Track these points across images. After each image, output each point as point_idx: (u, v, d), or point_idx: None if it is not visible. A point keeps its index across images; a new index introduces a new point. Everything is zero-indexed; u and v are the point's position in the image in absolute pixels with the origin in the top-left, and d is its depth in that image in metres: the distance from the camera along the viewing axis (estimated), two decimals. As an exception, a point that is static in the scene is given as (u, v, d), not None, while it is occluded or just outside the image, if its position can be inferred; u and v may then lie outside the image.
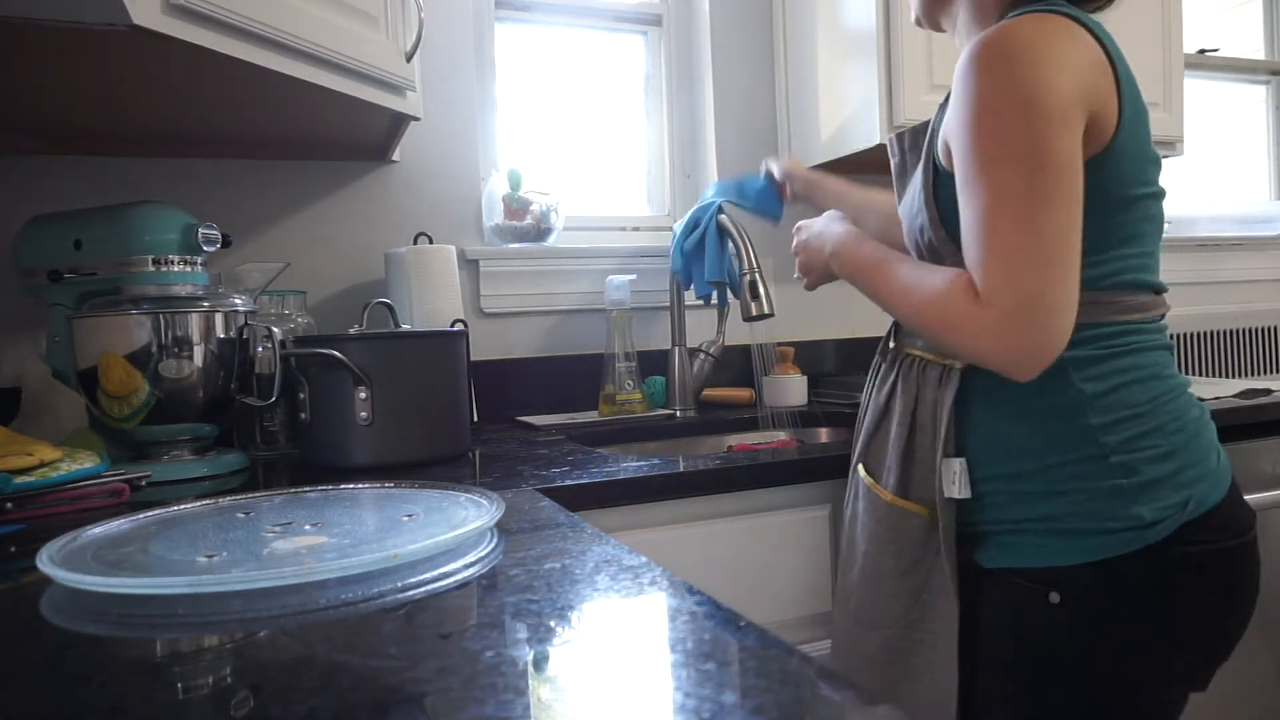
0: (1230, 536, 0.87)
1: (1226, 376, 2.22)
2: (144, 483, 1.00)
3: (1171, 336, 0.94)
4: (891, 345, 1.01)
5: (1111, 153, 0.84)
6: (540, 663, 0.45)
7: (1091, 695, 0.86)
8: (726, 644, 0.47)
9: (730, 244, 1.43)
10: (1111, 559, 0.84)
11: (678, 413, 1.62)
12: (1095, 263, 0.85)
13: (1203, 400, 0.96)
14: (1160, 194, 0.90)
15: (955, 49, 0.94)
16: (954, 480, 0.90)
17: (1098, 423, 0.85)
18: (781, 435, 1.60)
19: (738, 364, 1.80)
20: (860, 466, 1.00)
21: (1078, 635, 0.85)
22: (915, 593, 0.93)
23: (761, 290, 1.40)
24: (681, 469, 1.04)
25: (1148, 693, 0.87)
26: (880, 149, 1.55)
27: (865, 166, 1.68)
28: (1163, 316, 0.93)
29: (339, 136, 1.46)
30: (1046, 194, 0.77)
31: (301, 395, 1.13)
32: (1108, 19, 0.91)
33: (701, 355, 1.68)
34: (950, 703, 0.90)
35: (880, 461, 0.97)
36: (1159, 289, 0.92)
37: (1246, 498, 0.92)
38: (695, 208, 1.48)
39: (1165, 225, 0.92)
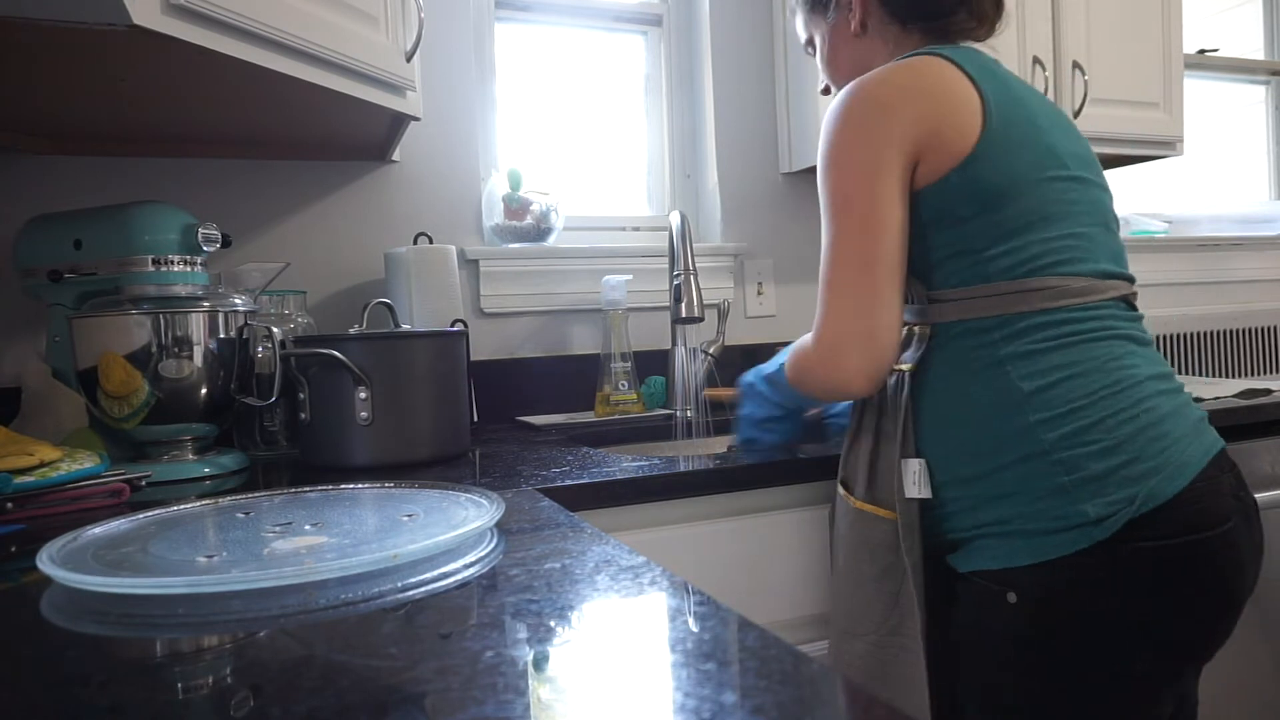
0: (1190, 531, 0.84)
1: (1226, 376, 2.21)
2: (144, 483, 1.00)
3: (1139, 322, 0.93)
4: None
5: (977, 155, 0.88)
6: (540, 663, 0.45)
7: (1056, 695, 0.86)
8: (726, 644, 0.47)
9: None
10: (1062, 558, 0.84)
11: (678, 413, 1.62)
12: (1005, 253, 0.88)
13: (1200, 400, 0.95)
14: (1079, 179, 0.92)
15: None
16: (914, 480, 0.91)
17: (1036, 419, 0.85)
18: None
19: (738, 364, 1.80)
20: (840, 481, 1.01)
21: (1036, 634, 0.85)
22: (893, 597, 0.94)
23: (692, 293, 1.41)
24: (681, 469, 1.04)
25: (1114, 692, 0.85)
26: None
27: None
28: (1122, 302, 0.92)
29: (339, 136, 1.46)
30: (859, 238, 0.90)
31: (301, 395, 1.13)
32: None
33: (702, 355, 1.68)
34: (924, 714, 0.90)
35: (854, 472, 0.98)
36: (1104, 274, 0.91)
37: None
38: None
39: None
